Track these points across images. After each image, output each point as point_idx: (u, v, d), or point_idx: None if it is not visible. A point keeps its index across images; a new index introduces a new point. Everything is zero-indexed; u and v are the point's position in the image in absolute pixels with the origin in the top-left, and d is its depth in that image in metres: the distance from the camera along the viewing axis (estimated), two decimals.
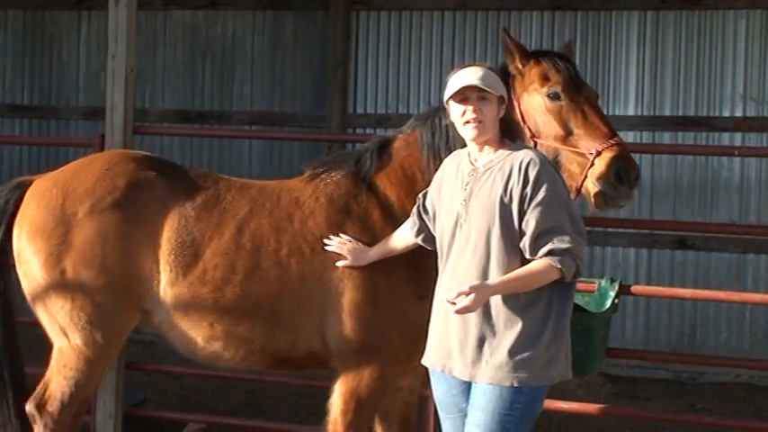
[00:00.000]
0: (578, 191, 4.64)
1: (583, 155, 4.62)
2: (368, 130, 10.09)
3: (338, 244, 4.75)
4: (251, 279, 4.87)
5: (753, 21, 9.61)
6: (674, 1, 9.69)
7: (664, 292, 7.39)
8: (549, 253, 4.01)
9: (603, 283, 5.77)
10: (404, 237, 4.68)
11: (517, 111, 4.75)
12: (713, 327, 9.63)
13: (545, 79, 4.74)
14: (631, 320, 9.69)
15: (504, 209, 4.07)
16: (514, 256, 4.07)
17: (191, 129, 10.51)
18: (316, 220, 4.89)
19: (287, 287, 4.84)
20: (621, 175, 4.59)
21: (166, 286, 4.92)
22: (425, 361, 4.37)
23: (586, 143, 4.64)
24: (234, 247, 4.90)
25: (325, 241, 4.79)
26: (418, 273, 4.73)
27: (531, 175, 4.07)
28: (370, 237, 4.82)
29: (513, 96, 4.74)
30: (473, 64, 4.35)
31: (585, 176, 4.58)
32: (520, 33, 9.99)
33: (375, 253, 4.73)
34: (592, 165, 4.60)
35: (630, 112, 9.84)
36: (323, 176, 5.06)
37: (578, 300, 5.59)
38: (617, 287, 5.72)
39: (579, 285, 5.72)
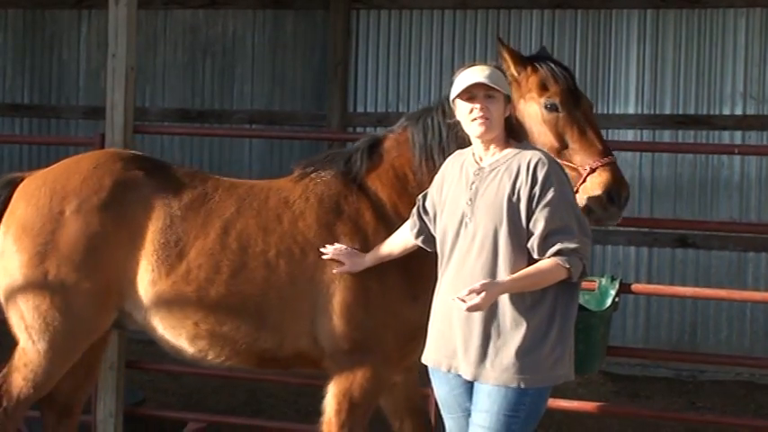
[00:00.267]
0: None
1: (576, 170, 4.62)
2: (368, 129, 10.09)
3: (334, 251, 4.72)
4: (236, 279, 4.84)
5: (753, 19, 9.61)
6: None
7: (664, 291, 7.40)
8: (558, 253, 4.02)
9: (604, 281, 5.77)
10: (402, 239, 4.65)
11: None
12: (713, 325, 9.64)
13: (543, 89, 4.72)
14: (632, 319, 9.70)
15: (512, 208, 4.07)
16: (521, 255, 4.07)
17: (191, 128, 10.49)
18: (306, 221, 4.85)
19: (275, 288, 4.81)
20: (613, 196, 4.60)
21: (148, 286, 4.89)
22: (426, 360, 4.36)
23: (581, 158, 4.64)
24: (219, 247, 4.87)
25: (321, 250, 4.75)
26: (412, 274, 4.72)
27: (540, 175, 4.07)
28: (362, 237, 4.80)
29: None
30: (479, 63, 4.35)
31: (577, 191, 4.56)
32: (520, 32, 10.01)
33: (371, 258, 4.70)
34: (584, 181, 4.61)
35: (631, 110, 9.84)
36: (312, 176, 5.03)
37: (578, 298, 5.59)
38: (617, 286, 5.72)
39: None
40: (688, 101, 9.75)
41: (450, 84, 4.31)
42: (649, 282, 9.42)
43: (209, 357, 5.00)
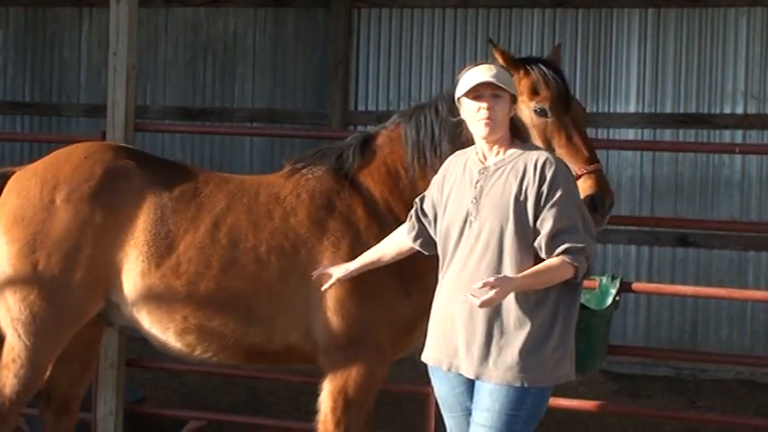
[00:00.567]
0: None
1: None
2: (369, 128, 10.06)
3: (319, 271, 4.69)
4: (227, 274, 4.84)
5: (754, 18, 9.61)
6: None
7: (665, 290, 7.39)
8: (566, 252, 4.02)
9: (605, 280, 5.78)
10: (396, 243, 4.60)
11: None
12: (714, 324, 9.64)
13: (534, 93, 4.71)
14: (632, 318, 9.70)
15: (519, 207, 4.07)
16: (527, 254, 4.07)
17: (192, 126, 10.49)
18: (297, 218, 4.85)
19: (266, 283, 4.81)
20: (597, 204, 4.59)
21: (137, 277, 4.88)
22: (426, 359, 4.35)
23: None
24: (209, 242, 4.87)
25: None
26: (406, 269, 4.72)
27: (548, 175, 4.07)
28: (354, 234, 4.80)
29: None
30: (485, 62, 4.34)
31: None
32: (521, 31, 10.01)
33: (361, 264, 4.64)
34: None
35: (632, 109, 9.84)
36: (303, 172, 5.03)
37: (580, 298, 5.59)
38: (618, 284, 5.72)
39: None
40: (689, 100, 9.75)
41: (455, 82, 4.30)
42: (650, 281, 9.42)
43: (197, 352, 5.00)
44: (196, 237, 4.89)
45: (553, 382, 4.15)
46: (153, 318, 4.95)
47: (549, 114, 4.69)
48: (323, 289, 4.66)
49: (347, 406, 4.79)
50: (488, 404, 4.09)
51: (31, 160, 5.43)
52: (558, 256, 4.03)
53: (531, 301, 4.06)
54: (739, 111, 9.63)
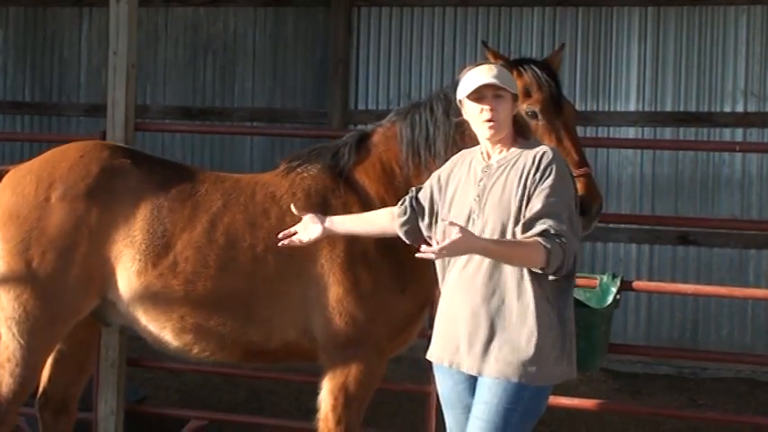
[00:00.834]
0: None
1: None
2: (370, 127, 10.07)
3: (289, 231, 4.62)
4: (224, 273, 4.85)
5: (754, 16, 9.61)
6: None
7: (665, 288, 7.40)
8: (541, 233, 3.97)
9: (605, 278, 5.77)
10: (382, 223, 4.57)
11: None
12: (715, 322, 9.64)
13: (526, 95, 4.70)
14: (633, 316, 9.70)
15: (520, 204, 4.06)
16: None
17: (192, 125, 10.49)
18: (293, 217, 4.82)
19: (264, 282, 4.82)
20: (584, 208, 4.58)
21: (133, 276, 4.88)
22: (431, 357, 4.36)
23: None
24: (206, 241, 4.87)
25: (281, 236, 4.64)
26: (401, 266, 4.74)
27: (543, 163, 4.06)
28: None
29: None
30: (486, 62, 4.34)
31: None
32: (521, 29, 10.01)
33: (344, 229, 4.60)
34: None
35: (632, 107, 9.84)
36: (299, 170, 5.04)
37: (580, 296, 5.59)
38: (618, 283, 5.72)
39: (581, 281, 5.73)
40: (689, 98, 9.75)
41: (454, 82, 4.30)
42: (651, 279, 9.42)
43: (194, 351, 5.01)
44: (193, 236, 4.89)
45: (551, 381, 4.14)
46: (149, 317, 4.95)
47: (540, 117, 4.69)
48: (302, 242, 4.58)
49: (347, 403, 4.81)
50: (487, 398, 4.09)
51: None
52: (533, 236, 3.98)
53: (533, 298, 4.06)
54: (739, 109, 9.63)
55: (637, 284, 6.27)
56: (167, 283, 4.87)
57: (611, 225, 9.26)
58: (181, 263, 4.87)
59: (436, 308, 5.74)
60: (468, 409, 4.24)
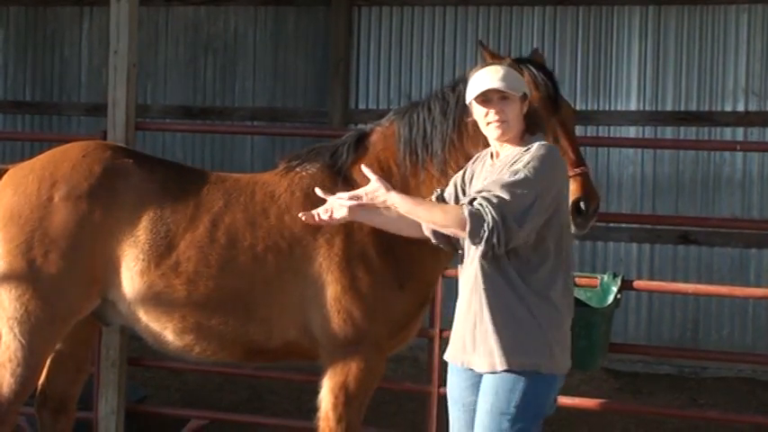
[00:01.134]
0: None
1: None
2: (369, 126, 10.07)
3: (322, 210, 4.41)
4: (226, 273, 4.86)
5: (754, 15, 9.60)
6: None
7: (666, 288, 7.40)
8: (471, 201, 3.97)
9: (606, 278, 5.78)
10: (415, 224, 4.42)
11: None
12: (715, 322, 9.64)
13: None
14: (634, 316, 9.69)
15: None
16: (529, 248, 4.06)
17: (193, 125, 10.48)
18: (292, 216, 4.85)
19: (264, 281, 4.84)
20: (580, 207, 4.58)
21: (136, 276, 4.89)
22: (447, 356, 4.39)
23: None
24: (208, 241, 4.89)
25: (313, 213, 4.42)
26: (398, 262, 4.76)
27: (524, 153, 4.06)
28: (348, 231, 4.80)
29: None
30: (494, 62, 4.34)
31: None
32: (521, 28, 10.01)
33: (366, 214, 4.39)
34: None
35: (632, 107, 9.84)
36: (298, 170, 5.05)
37: (580, 295, 5.60)
38: (619, 282, 5.72)
39: (582, 281, 5.75)
40: (690, 97, 9.75)
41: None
42: (651, 278, 9.41)
43: (196, 351, 5.01)
44: (195, 235, 4.90)
45: (553, 370, 4.14)
46: (151, 316, 4.96)
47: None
48: (334, 219, 4.37)
49: (348, 402, 4.82)
50: (484, 390, 4.15)
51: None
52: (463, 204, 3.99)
53: (507, 291, 4.07)
54: (740, 108, 9.63)
55: (637, 284, 6.28)
56: (170, 283, 4.88)
57: (611, 224, 9.27)
58: (183, 262, 4.88)
59: (435, 306, 5.76)
60: (467, 408, 4.28)
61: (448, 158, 4.78)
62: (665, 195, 9.74)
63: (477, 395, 4.22)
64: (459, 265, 4.34)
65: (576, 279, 5.55)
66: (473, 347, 4.17)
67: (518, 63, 4.77)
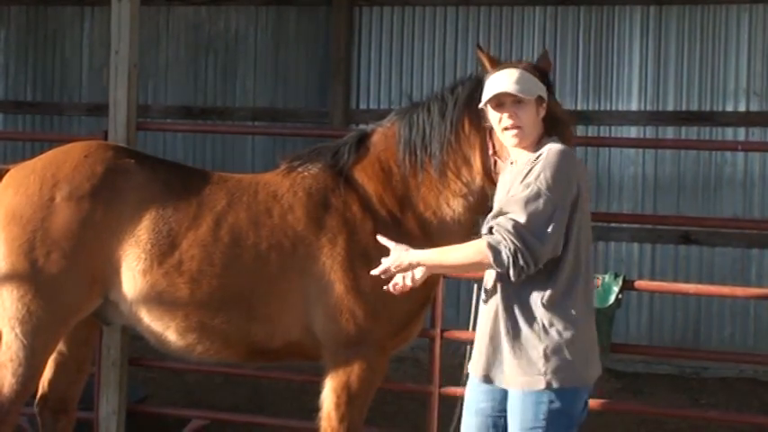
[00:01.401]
0: None
1: None
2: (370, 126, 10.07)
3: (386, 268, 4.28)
4: (229, 272, 4.87)
5: (756, 15, 9.60)
6: None
7: (667, 288, 7.40)
8: (491, 230, 3.93)
9: (607, 278, 5.78)
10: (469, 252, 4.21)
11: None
12: (717, 322, 9.63)
13: None
14: (635, 316, 9.69)
15: None
16: None
17: (194, 125, 10.47)
18: (295, 215, 4.88)
19: (267, 280, 4.85)
20: None
21: (138, 275, 4.89)
22: (470, 368, 4.33)
23: None
24: (211, 240, 4.90)
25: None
26: None
27: (536, 160, 3.97)
28: (350, 230, 4.83)
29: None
30: (509, 65, 4.22)
31: None
32: (523, 28, 9.99)
33: (429, 259, 4.17)
34: None
35: (634, 107, 9.83)
36: (300, 170, 5.07)
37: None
38: (621, 282, 5.73)
39: None
40: (691, 97, 9.74)
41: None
42: (653, 279, 9.40)
43: (198, 350, 5.02)
44: (198, 235, 4.91)
45: (578, 383, 4.07)
46: (153, 316, 4.96)
47: None
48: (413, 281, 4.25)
49: (350, 401, 4.83)
50: (511, 408, 4.08)
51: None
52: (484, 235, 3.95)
53: (517, 308, 4.02)
54: (742, 108, 9.62)
55: (639, 284, 6.28)
56: (172, 282, 4.88)
57: (612, 224, 9.28)
58: (186, 261, 4.88)
59: (436, 307, 5.75)
60: (478, 414, 4.21)
61: (446, 160, 4.81)
62: (666, 195, 9.73)
63: (490, 402, 4.17)
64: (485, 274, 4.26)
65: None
66: (494, 362, 4.10)
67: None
